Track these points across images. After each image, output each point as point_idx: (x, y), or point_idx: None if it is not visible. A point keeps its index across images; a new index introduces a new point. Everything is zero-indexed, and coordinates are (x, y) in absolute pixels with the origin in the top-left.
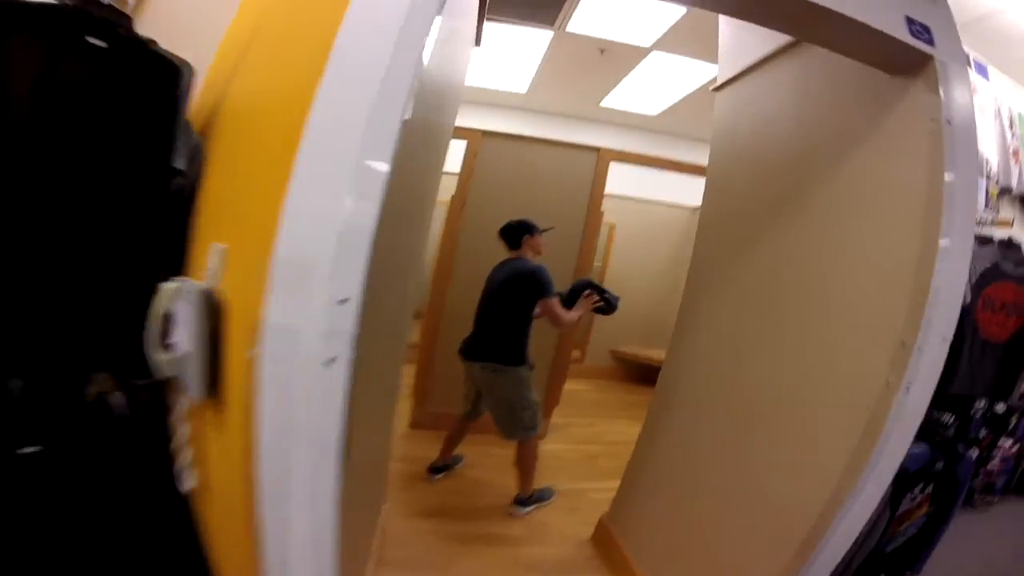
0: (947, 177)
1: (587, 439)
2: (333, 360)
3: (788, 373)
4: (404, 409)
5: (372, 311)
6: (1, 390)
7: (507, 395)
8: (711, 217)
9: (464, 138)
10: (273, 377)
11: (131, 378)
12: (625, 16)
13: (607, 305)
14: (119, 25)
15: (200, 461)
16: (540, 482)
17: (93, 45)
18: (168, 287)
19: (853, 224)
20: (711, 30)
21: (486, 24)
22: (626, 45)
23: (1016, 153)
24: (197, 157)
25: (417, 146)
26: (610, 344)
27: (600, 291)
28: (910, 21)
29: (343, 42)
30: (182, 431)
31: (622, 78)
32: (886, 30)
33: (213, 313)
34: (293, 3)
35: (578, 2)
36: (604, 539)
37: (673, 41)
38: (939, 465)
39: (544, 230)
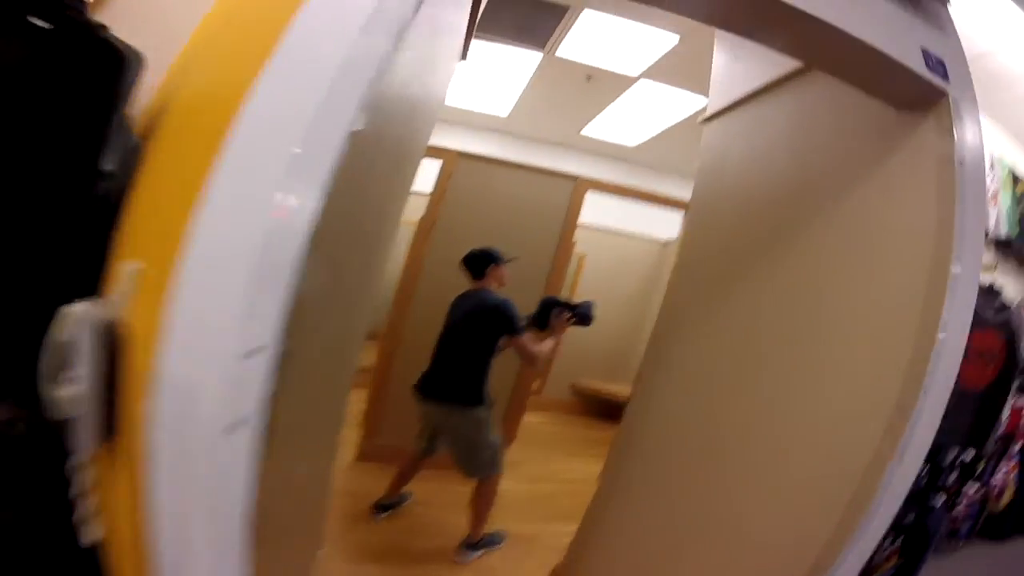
0: (957, 224)
1: (542, 477)
2: (239, 425)
3: (769, 424)
4: (351, 439)
5: (309, 332)
6: None
7: (466, 437)
8: (691, 252)
9: (439, 158)
10: (168, 439)
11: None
12: (616, 43)
13: (582, 318)
14: (69, 7)
15: (105, 511)
16: (491, 524)
17: (34, 25)
18: (70, 312)
19: (849, 270)
20: (700, 61)
21: (478, 43)
22: (613, 73)
23: (995, 196)
24: (131, 160)
25: (379, 160)
26: (571, 377)
27: (570, 306)
28: (926, 54)
29: (292, 37)
30: (84, 476)
31: (605, 107)
32: (904, 61)
33: (113, 348)
34: None
35: (571, 25)
36: None
37: (661, 70)
38: (910, 517)
39: (507, 260)
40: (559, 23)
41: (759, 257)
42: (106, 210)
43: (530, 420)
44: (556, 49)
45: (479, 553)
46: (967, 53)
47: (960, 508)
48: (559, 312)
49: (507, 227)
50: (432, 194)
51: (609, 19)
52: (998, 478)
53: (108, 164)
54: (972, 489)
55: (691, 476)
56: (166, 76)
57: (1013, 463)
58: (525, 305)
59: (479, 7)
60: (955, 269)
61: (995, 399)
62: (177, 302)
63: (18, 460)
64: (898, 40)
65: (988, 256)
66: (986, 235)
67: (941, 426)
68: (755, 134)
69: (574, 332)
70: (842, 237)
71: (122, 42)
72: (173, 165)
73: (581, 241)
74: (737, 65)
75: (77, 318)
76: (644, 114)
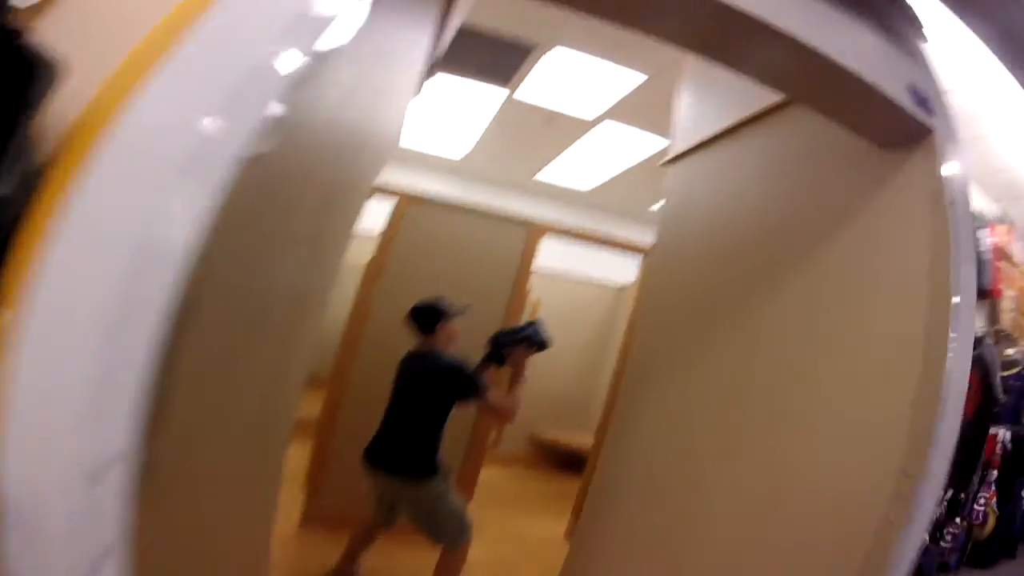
0: (953, 268)
1: (504, 539)
2: (101, 558)
3: (761, 479)
4: (293, 501)
5: (221, 384)
6: None
7: (426, 510)
8: (659, 297)
9: (391, 198)
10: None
11: None
12: (579, 84)
13: (540, 344)
14: None
15: None
16: None
17: None
18: None
19: (838, 319)
20: (663, 102)
21: (440, 81)
22: (572, 117)
23: None
24: (31, 184)
25: (307, 194)
26: (528, 427)
27: (521, 336)
28: (912, 90)
29: (182, 44)
30: None
31: (562, 151)
32: (891, 95)
33: None
34: None
35: (535, 65)
36: None
37: (623, 111)
38: None
39: (458, 313)
40: (524, 61)
41: (737, 303)
42: None
43: (488, 476)
44: (517, 91)
45: None
46: None
47: (947, 541)
48: (514, 347)
49: (460, 272)
50: (383, 236)
51: (576, 57)
52: (979, 507)
53: (2, 188)
54: (956, 521)
55: (676, 534)
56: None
57: (992, 491)
58: (476, 354)
59: (438, 42)
60: (953, 330)
61: (976, 437)
62: (13, 390)
63: None
64: (885, 73)
65: None
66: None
67: None
68: (723, 176)
69: (529, 380)
70: (829, 283)
71: (39, 49)
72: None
73: (536, 286)
74: (701, 106)
75: None
76: (599, 158)
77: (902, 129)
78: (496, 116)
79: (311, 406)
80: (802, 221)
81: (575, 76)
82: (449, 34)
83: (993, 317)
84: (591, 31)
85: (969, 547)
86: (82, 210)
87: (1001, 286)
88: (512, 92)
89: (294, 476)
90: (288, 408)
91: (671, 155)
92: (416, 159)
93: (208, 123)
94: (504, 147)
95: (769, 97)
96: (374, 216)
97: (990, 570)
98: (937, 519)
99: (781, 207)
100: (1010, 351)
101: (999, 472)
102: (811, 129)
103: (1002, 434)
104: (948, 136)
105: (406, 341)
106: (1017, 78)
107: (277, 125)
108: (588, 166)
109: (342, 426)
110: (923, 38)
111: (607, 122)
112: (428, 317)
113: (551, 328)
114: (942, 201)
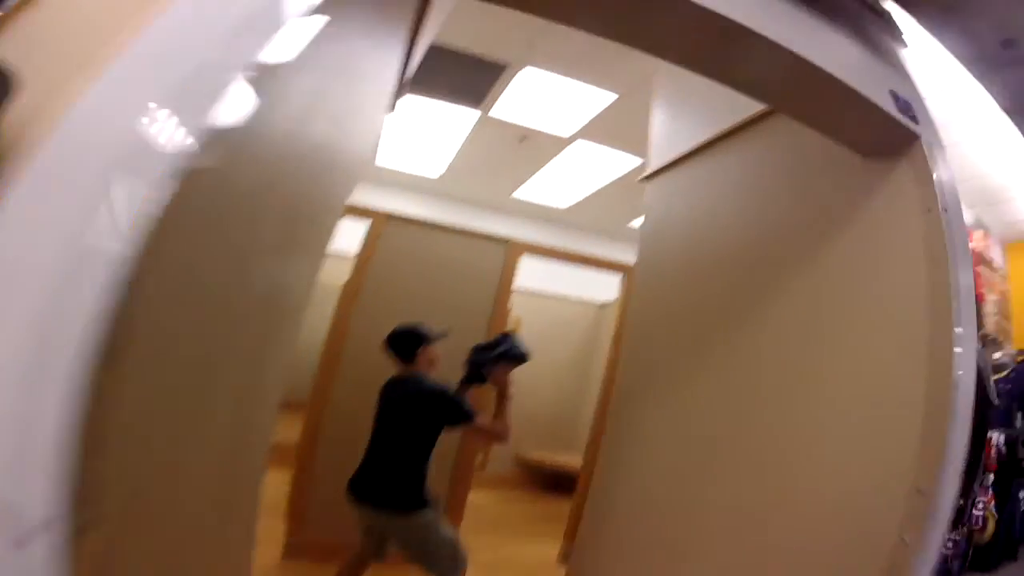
0: (952, 276)
1: (497, 565)
2: None
3: (764, 497)
4: (274, 532)
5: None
6: None
7: (416, 542)
8: (644, 315)
9: (366, 218)
10: None
11: None
12: (552, 103)
13: (518, 359)
14: None
15: None
16: None
17: None
18: None
19: (837, 328)
20: (636, 120)
21: (413, 100)
22: (547, 135)
23: None
24: None
25: (269, 211)
26: (514, 448)
27: (497, 352)
28: (895, 96)
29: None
30: None
31: (538, 169)
32: (875, 101)
33: None
34: None
35: (508, 84)
36: None
37: (596, 130)
38: None
39: (438, 336)
40: (496, 81)
41: (731, 317)
42: None
43: (476, 499)
44: (491, 109)
45: None
46: None
47: (948, 547)
48: (493, 365)
49: (440, 291)
50: (359, 256)
51: (547, 77)
52: (978, 512)
53: None
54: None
55: (677, 556)
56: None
57: (989, 495)
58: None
59: (410, 58)
60: (958, 329)
61: (975, 442)
62: None
63: None
64: (868, 79)
65: None
66: None
67: None
68: (705, 189)
69: (515, 395)
70: (825, 293)
71: None
72: None
73: (516, 306)
74: (677, 122)
75: None
76: (576, 175)
77: (887, 136)
78: (472, 135)
79: (290, 430)
80: (791, 233)
81: (547, 95)
82: (420, 52)
83: (978, 322)
84: (559, 52)
85: (970, 552)
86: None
87: (983, 291)
88: (487, 111)
89: (275, 505)
90: (262, 434)
91: (649, 171)
92: (393, 179)
93: (148, 122)
94: (481, 166)
95: (744, 110)
96: (352, 236)
97: (992, 574)
98: None
99: (766, 220)
100: (996, 355)
101: (995, 475)
102: (790, 141)
103: (996, 437)
104: (934, 142)
105: (386, 363)
106: (986, 87)
107: (224, 133)
108: (565, 184)
109: (323, 451)
110: (903, 44)
111: (581, 142)
112: (406, 343)
113: (532, 347)
114: (936, 208)
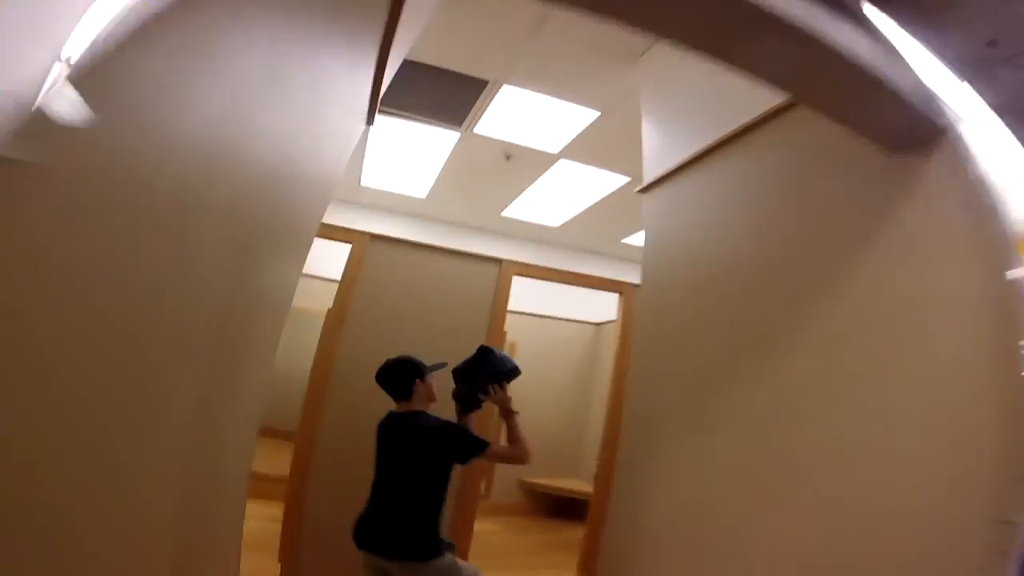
0: (1011, 275)
1: None
2: None
3: (816, 537)
4: (266, 572)
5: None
6: None
7: None
8: (653, 336)
9: (347, 241)
10: None
11: None
12: (536, 120)
13: (510, 374)
14: None
15: None
16: None
17: None
18: None
19: (885, 346)
20: (621, 138)
21: (393, 121)
22: (533, 151)
23: None
24: None
25: (214, 227)
26: (518, 474)
27: (486, 372)
28: (920, 87)
29: None
30: None
31: (527, 186)
32: (903, 92)
33: None
34: None
35: (490, 102)
36: None
37: (581, 149)
38: None
39: (434, 368)
40: (477, 100)
41: (758, 333)
42: None
43: (481, 529)
44: (475, 126)
45: None
46: None
47: None
48: (485, 387)
49: (432, 315)
50: (342, 281)
51: (528, 95)
52: None
53: None
54: None
55: None
56: None
57: None
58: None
59: (383, 72)
60: None
61: None
62: None
63: None
64: (893, 68)
65: None
66: None
67: None
68: (712, 194)
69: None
70: (862, 302)
71: None
72: None
73: (511, 328)
74: (671, 132)
75: None
76: (567, 192)
77: (914, 128)
78: (456, 152)
79: (279, 460)
80: (818, 237)
81: (530, 113)
82: (394, 65)
83: None
84: (536, 69)
85: None
86: None
87: None
88: (471, 127)
89: (265, 545)
90: (241, 466)
91: (645, 182)
92: (379, 201)
93: None
94: (468, 183)
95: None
96: (337, 260)
97: None
98: None
99: (784, 224)
100: None
101: None
102: (803, 139)
103: None
104: (963, 135)
105: (378, 390)
106: (975, 88)
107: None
108: (555, 202)
109: (315, 484)
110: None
111: (563, 161)
112: (401, 377)
113: (530, 370)
114: (980, 204)
